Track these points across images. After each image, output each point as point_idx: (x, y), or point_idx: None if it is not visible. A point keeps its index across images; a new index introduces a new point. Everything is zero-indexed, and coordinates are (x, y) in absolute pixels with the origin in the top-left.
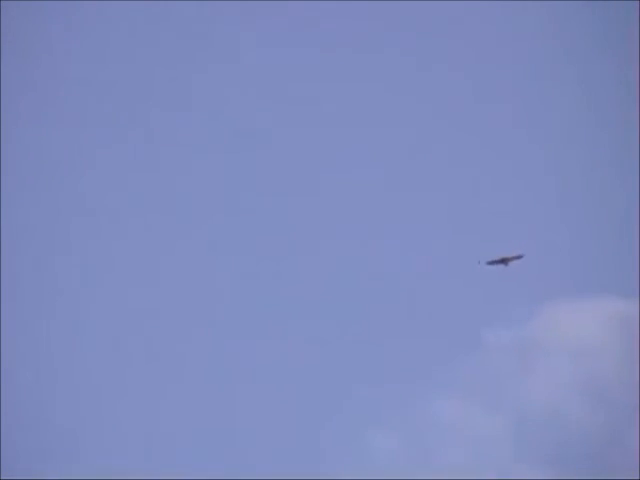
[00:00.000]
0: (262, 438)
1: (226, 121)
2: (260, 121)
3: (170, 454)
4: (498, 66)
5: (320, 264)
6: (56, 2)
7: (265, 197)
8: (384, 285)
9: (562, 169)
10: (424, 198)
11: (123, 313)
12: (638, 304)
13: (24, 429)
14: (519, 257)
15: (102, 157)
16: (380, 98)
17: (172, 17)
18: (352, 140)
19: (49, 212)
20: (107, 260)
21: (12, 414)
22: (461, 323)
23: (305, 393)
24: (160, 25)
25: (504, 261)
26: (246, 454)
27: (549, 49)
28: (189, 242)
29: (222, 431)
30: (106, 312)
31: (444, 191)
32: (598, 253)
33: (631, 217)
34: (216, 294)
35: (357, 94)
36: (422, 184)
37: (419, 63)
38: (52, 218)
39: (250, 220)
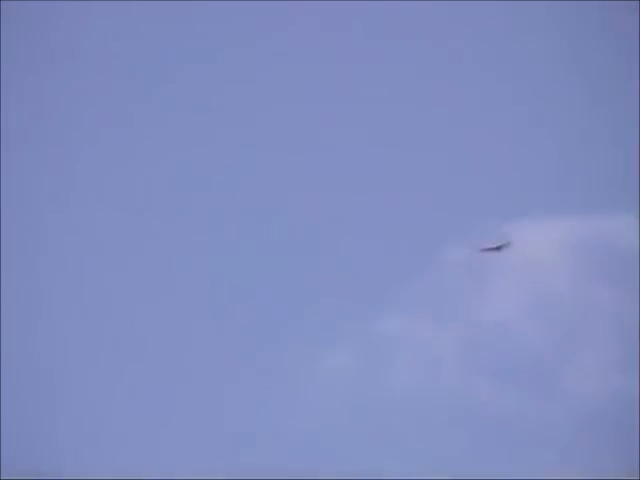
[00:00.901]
0: (206, 358)
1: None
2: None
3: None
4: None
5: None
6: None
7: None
8: (337, 199)
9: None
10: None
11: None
12: (597, 226)
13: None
14: (509, 243)
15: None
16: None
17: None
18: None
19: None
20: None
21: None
22: (417, 239)
23: (252, 311)
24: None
25: (498, 248)
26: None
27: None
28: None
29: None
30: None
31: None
32: (560, 174)
33: (598, 138)
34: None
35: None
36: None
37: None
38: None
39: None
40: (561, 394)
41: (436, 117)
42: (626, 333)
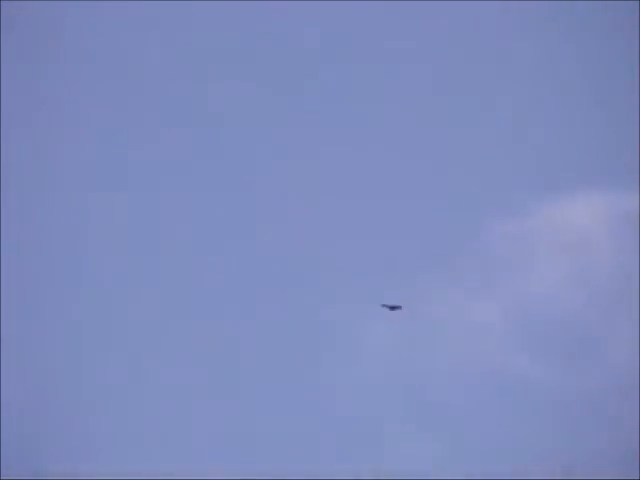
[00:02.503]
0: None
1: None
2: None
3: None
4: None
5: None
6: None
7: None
8: (383, 178)
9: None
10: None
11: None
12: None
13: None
14: (399, 307)
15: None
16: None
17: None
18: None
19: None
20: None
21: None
22: (462, 212)
23: (301, 285)
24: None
25: (392, 308)
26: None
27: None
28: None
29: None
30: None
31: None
32: (605, 149)
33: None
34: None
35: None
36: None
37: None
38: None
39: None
40: (603, 365)
41: (475, 101)
42: None
